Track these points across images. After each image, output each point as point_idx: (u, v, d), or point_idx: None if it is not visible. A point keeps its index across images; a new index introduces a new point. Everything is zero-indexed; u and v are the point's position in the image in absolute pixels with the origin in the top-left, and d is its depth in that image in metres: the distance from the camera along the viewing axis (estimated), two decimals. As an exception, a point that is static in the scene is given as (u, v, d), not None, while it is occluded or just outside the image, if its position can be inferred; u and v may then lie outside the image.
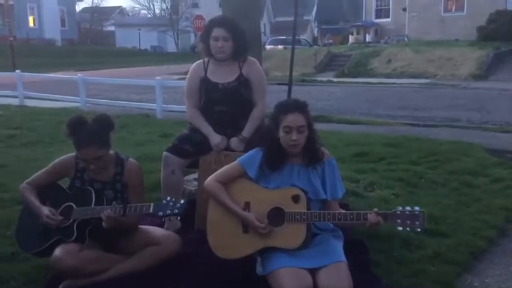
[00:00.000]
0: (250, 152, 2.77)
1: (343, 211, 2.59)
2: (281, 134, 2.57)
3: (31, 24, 39.03)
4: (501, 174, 5.06)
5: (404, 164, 5.51)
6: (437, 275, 2.96)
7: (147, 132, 8.04)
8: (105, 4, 56.06)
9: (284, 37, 32.23)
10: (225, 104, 3.43)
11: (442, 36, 25.88)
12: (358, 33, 32.63)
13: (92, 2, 52.98)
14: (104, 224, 2.62)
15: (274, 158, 2.63)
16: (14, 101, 12.38)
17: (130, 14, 59.32)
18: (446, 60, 20.54)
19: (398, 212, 2.40)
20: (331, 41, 30.96)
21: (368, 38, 31.63)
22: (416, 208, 2.41)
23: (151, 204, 2.65)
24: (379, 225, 2.43)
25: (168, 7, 47.40)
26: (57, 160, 2.91)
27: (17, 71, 13.52)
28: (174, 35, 44.54)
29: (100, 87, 14.95)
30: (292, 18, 5.12)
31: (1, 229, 3.62)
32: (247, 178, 2.68)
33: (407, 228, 2.39)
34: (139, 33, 44.44)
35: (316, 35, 45.79)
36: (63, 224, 2.71)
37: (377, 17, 31.95)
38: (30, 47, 33.10)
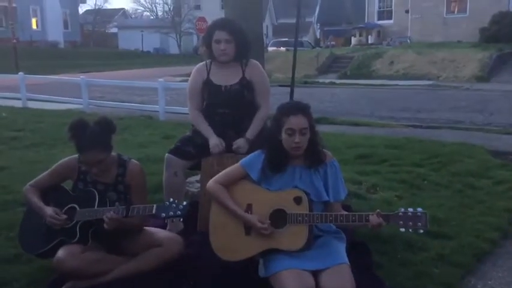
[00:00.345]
0: (252, 154, 2.77)
1: (345, 212, 2.59)
2: (283, 136, 2.56)
3: (34, 26, 39.16)
4: (504, 176, 5.04)
5: (407, 165, 5.50)
6: (441, 277, 2.95)
7: (150, 134, 8.04)
8: (108, 6, 56.39)
9: (286, 39, 32.27)
10: (227, 107, 3.43)
11: (445, 37, 25.84)
12: (360, 35, 32.58)
13: (95, 4, 53.31)
14: (105, 225, 2.63)
15: (277, 160, 2.63)
16: (17, 103, 12.40)
17: (133, 16, 59.47)
18: (449, 62, 20.51)
19: (400, 214, 2.40)
20: (333, 42, 30.93)
21: (370, 39, 31.57)
22: (419, 209, 2.40)
23: (154, 205, 2.65)
24: (381, 227, 2.42)
25: (171, 9, 47.56)
26: (59, 162, 2.91)
27: (20, 73, 13.55)
28: (176, 37, 44.61)
29: (103, 89, 14.98)
30: (294, 20, 5.12)
31: (4, 231, 3.63)
32: (250, 180, 2.68)
33: (410, 230, 2.38)
34: (142, 35, 44.57)
35: (318, 36, 45.80)
36: (66, 225, 2.72)
37: (379, 18, 31.91)
38: (33, 49, 33.24)
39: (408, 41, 27.83)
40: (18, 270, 3.01)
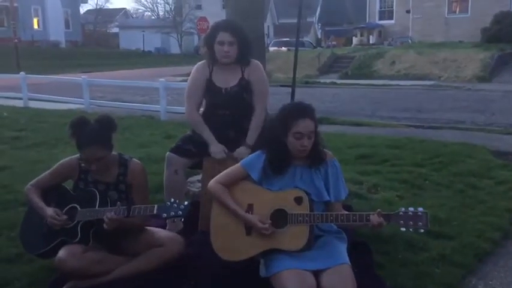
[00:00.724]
0: (253, 155, 2.77)
1: (346, 212, 2.59)
2: (290, 139, 2.55)
3: (35, 26, 39.20)
4: (505, 177, 5.04)
5: (408, 165, 5.49)
6: (442, 277, 2.95)
7: (151, 133, 8.05)
8: (109, 6, 56.44)
9: (287, 39, 32.26)
10: (228, 109, 3.43)
11: (446, 38, 25.81)
12: (361, 35, 32.57)
13: (96, 4, 53.30)
14: (105, 225, 2.63)
15: (280, 162, 2.62)
16: (19, 103, 12.42)
17: (134, 16, 59.50)
18: (451, 62, 20.48)
19: (401, 213, 2.40)
20: (334, 42, 30.92)
21: (372, 39, 31.55)
22: (420, 209, 2.40)
23: (156, 205, 2.65)
24: (382, 227, 2.42)
25: (172, 9, 47.54)
26: (60, 162, 2.92)
27: (21, 72, 13.56)
28: (177, 37, 44.63)
29: (104, 89, 15.00)
30: (295, 20, 5.12)
31: (5, 230, 3.64)
32: (250, 180, 2.68)
33: (411, 229, 2.38)
34: (143, 35, 44.58)
35: (319, 36, 45.77)
36: (67, 225, 2.72)
37: (381, 18, 31.89)
38: (35, 48, 33.28)
39: (409, 41, 27.81)
40: (20, 270, 3.02)
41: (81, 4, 47.87)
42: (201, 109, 3.60)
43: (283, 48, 30.67)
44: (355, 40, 32.58)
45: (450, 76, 19.61)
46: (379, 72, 21.40)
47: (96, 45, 45.63)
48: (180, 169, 3.44)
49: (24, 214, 3.00)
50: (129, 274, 2.77)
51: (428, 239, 3.40)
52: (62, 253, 2.64)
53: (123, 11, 57.84)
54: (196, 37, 41.77)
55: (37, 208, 2.82)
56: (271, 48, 31.32)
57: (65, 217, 2.73)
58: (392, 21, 30.96)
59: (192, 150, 3.46)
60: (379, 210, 2.45)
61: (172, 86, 11.41)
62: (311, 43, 36.68)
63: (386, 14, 31.57)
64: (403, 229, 2.38)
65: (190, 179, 4.24)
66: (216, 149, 3.36)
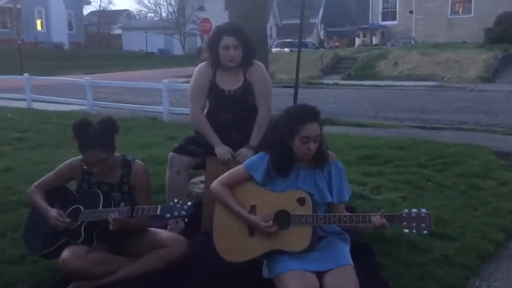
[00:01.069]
0: (256, 156, 2.77)
1: (349, 213, 2.58)
2: (297, 142, 2.54)
3: (39, 27, 39.31)
4: (509, 177, 5.02)
5: (411, 166, 5.49)
6: (445, 278, 2.94)
7: (154, 135, 8.06)
8: (112, 7, 56.47)
9: (290, 40, 32.26)
10: (231, 111, 3.43)
11: (449, 38, 25.77)
12: (364, 36, 32.51)
13: (99, 6, 53.39)
14: (110, 226, 2.63)
15: (284, 164, 2.62)
16: (22, 104, 12.46)
17: (137, 17, 59.56)
18: (454, 63, 20.43)
19: (404, 214, 2.39)
20: (337, 43, 30.89)
21: (374, 40, 31.51)
22: (423, 210, 2.39)
23: (159, 206, 2.65)
24: (385, 228, 2.41)
25: (175, 10, 47.59)
26: (64, 163, 2.93)
27: (24, 74, 13.61)
28: (180, 38, 44.69)
29: (107, 90, 15.03)
30: (298, 21, 5.12)
31: (9, 231, 3.65)
32: (253, 181, 2.68)
33: (414, 231, 2.37)
34: (146, 36, 44.63)
35: (322, 37, 45.79)
36: (70, 226, 2.73)
37: (384, 19, 31.85)
38: (38, 50, 33.39)
39: (412, 41, 27.76)
40: (24, 270, 3.03)
41: (84, 6, 47.97)
42: (205, 110, 3.60)
43: (286, 49, 30.68)
44: (357, 41, 32.52)
45: (453, 77, 19.56)
46: (382, 73, 21.37)
47: (99, 46, 45.73)
48: (182, 170, 3.45)
49: (28, 215, 3.01)
50: (133, 275, 2.77)
51: (431, 240, 3.40)
52: (65, 254, 2.65)
53: (126, 13, 57.91)
54: (199, 38, 41.81)
55: (40, 209, 2.83)
56: (274, 49, 31.32)
57: (68, 219, 2.73)
58: (395, 22, 30.93)
59: (195, 151, 3.46)
60: (382, 210, 2.45)
61: (175, 87, 11.43)
62: (314, 44, 36.67)
63: (389, 14, 31.53)
64: (406, 230, 2.38)
65: (193, 180, 4.25)
66: (222, 150, 3.36)
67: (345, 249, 2.56)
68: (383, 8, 31.86)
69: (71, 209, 2.80)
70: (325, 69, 23.09)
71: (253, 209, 2.61)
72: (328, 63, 23.58)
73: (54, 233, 2.77)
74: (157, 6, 51.68)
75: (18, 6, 30.22)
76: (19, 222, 3.50)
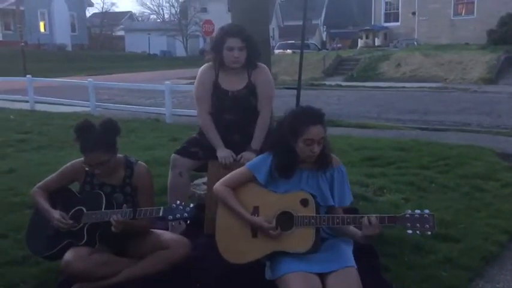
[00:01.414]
0: (259, 157, 2.77)
1: (352, 215, 2.57)
2: (300, 145, 2.54)
3: (42, 29, 39.40)
4: (512, 179, 5.01)
5: (414, 168, 5.47)
6: (449, 280, 2.93)
7: (157, 136, 8.06)
8: (115, 9, 56.64)
9: (293, 41, 32.27)
10: (234, 113, 3.43)
11: (452, 40, 25.72)
12: (367, 37, 32.45)
13: (102, 7, 53.51)
14: (112, 228, 2.63)
15: (287, 166, 2.62)
16: (25, 106, 12.50)
17: (139, 19, 59.68)
18: (456, 64, 20.41)
19: (407, 215, 2.38)
20: (339, 45, 30.85)
21: (377, 41, 31.46)
22: (426, 211, 2.39)
23: (161, 208, 2.65)
24: (378, 229, 2.39)
25: (177, 12, 47.68)
26: (67, 165, 2.93)
27: (27, 75, 13.66)
28: (183, 40, 44.75)
29: (110, 92, 15.06)
30: (300, 23, 5.11)
31: (12, 233, 3.65)
32: (256, 182, 2.67)
33: (417, 232, 2.36)
34: (148, 38, 44.71)
35: (324, 39, 45.75)
36: (73, 227, 2.73)
37: (386, 21, 31.80)
38: (41, 52, 33.45)
39: (415, 43, 27.72)
40: (26, 272, 3.03)
41: (87, 7, 48.09)
42: None
43: (288, 51, 30.68)
44: (360, 42, 32.47)
45: (456, 78, 19.54)
46: (384, 74, 21.36)
47: (102, 48, 45.81)
48: (184, 171, 3.45)
49: (31, 216, 3.02)
50: (135, 276, 2.77)
51: (434, 241, 3.39)
52: (68, 255, 2.65)
53: (128, 14, 58.04)
54: (201, 40, 41.85)
55: (43, 211, 2.83)
56: (277, 51, 31.34)
57: (70, 221, 2.74)
58: (398, 23, 30.88)
59: (198, 153, 3.47)
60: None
61: (178, 89, 11.45)
62: (316, 45, 36.66)
63: (391, 16, 31.49)
64: (410, 231, 2.37)
65: (196, 181, 4.25)
66: (224, 153, 3.36)
67: (348, 250, 2.55)
68: (385, 10, 31.82)
69: (73, 210, 2.80)
70: (328, 70, 23.09)
71: (256, 210, 2.60)
72: (330, 64, 23.58)
73: (57, 234, 2.77)
74: (160, 8, 51.94)
75: (22, 8, 30.33)
76: (22, 223, 3.50)
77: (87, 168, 2.83)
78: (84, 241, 2.70)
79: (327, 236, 2.65)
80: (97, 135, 2.73)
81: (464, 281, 2.96)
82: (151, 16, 55.97)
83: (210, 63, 3.49)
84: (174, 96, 11.10)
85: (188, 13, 44.96)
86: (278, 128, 2.69)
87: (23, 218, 3.61)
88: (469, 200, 4.40)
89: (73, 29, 42.91)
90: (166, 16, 50.79)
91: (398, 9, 30.83)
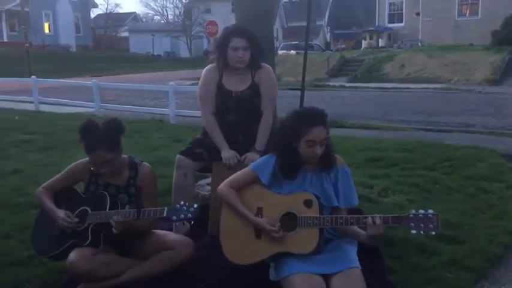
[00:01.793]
0: (263, 158, 2.77)
1: (356, 215, 2.57)
2: (302, 146, 2.53)
3: (46, 30, 39.56)
4: (517, 180, 4.99)
5: (418, 169, 5.46)
6: (453, 282, 2.92)
7: (161, 137, 8.07)
8: (119, 10, 56.77)
9: (297, 42, 32.25)
10: (237, 113, 3.43)
11: (456, 40, 25.68)
12: (371, 38, 32.46)
13: (106, 9, 53.68)
14: (113, 229, 2.64)
15: (291, 167, 2.62)
16: (30, 107, 12.55)
17: (144, 20, 59.82)
18: (461, 65, 20.37)
19: (411, 215, 2.38)
20: (343, 45, 30.86)
21: (381, 42, 31.45)
22: (430, 211, 2.38)
23: (165, 208, 2.66)
24: (381, 230, 2.38)
25: (181, 13, 47.76)
26: (72, 165, 2.94)
27: (32, 76, 13.72)
28: (187, 41, 44.81)
29: (114, 93, 15.09)
30: (304, 23, 5.12)
31: (17, 233, 3.67)
32: (260, 184, 2.67)
33: (421, 232, 2.36)
34: (152, 38, 44.82)
35: (328, 40, 45.75)
36: (78, 227, 2.74)
37: (390, 21, 31.80)
38: (46, 53, 33.54)
39: (419, 44, 27.69)
40: (31, 272, 3.04)
41: (92, 8, 48.26)
42: None
43: (292, 52, 30.69)
44: (364, 43, 32.49)
45: (460, 79, 19.50)
46: (388, 75, 21.34)
47: (106, 49, 45.92)
48: (189, 172, 3.45)
49: (36, 217, 3.03)
50: (139, 277, 2.77)
51: (439, 243, 3.38)
52: (72, 255, 2.65)
53: (132, 15, 58.16)
54: (205, 41, 41.93)
55: (48, 210, 2.84)
56: (280, 52, 31.34)
57: (76, 219, 2.74)
58: (402, 24, 30.88)
59: (203, 154, 3.47)
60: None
61: (182, 90, 11.47)
62: (320, 46, 36.65)
63: (395, 17, 31.49)
64: (414, 231, 2.36)
65: (200, 182, 4.25)
66: (228, 154, 3.36)
67: (352, 251, 2.55)
68: (389, 10, 31.82)
69: (78, 210, 2.81)
70: (332, 71, 23.09)
71: (259, 212, 2.60)
72: (334, 65, 23.58)
73: (61, 234, 2.77)
74: (164, 9, 51.94)
75: (26, 9, 30.39)
76: (27, 223, 3.51)
77: (92, 168, 2.83)
78: (88, 241, 2.71)
79: (331, 236, 2.64)
80: (101, 134, 2.73)
81: (469, 282, 2.95)
82: (155, 17, 56.09)
83: (214, 64, 3.50)
84: (178, 97, 11.11)
85: (192, 14, 45.02)
86: (281, 129, 2.70)
87: (28, 219, 3.62)
88: (473, 201, 4.39)
89: (77, 30, 43.07)
90: (170, 17, 50.89)
91: (402, 10, 30.83)
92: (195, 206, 2.65)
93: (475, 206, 4.23)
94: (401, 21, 31.06)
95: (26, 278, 2.97)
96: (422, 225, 2.35)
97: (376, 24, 32.59)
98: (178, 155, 3.48)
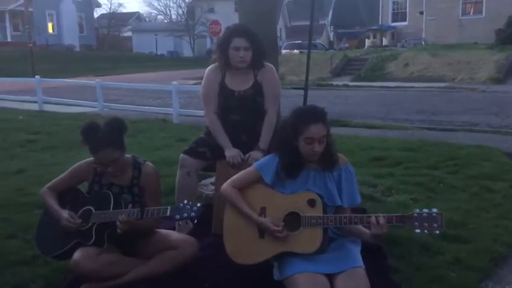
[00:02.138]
0: (266, 158, 2.77)
1: (359, 214, 2.57)
2: (302, 143, 2.54)
3: (50, 30, 39.67)
4: (521, 179, 4.97)
5: (422, 168, 5.45)
6: (458, 281, 2.92)
7: (164, 136, 8.08)
8: (122, 10, 56.85)
9: (300, 41, 32.23)
10: (240, 113, 3.43)
11: (460, 39, 25.59)
12: (374, 37, 32.36)
13: (110, 8, 53.74)
14: (118, 229, 2.64)
15: (292, 166, 2.62)
16: (34, 106, 12.58)
17: (147, 19, 59.90)
18: (465, 64, 20.29)
19: (415, 214, 2.37)
20: (347, 44, 30.79)
21: (385, 41, 31.36)
22: (434, 210, 2.38)
23: (169, 207, 2.66)
24: (384, 229, 2.38)
25: (184, 12, 47.79)
26: (76, 165, 2.95)
27: (36, 76, 13.75)
28: (190, 40, 44.84)
29: (118, 92, 15.11)
30: (307, 23, 5.10)
31: (21, 233, 3.68)
32: (263, 183, 2.67)
33: (426, 231, 2.35)
34: (156, 38, 44.88)
35: (332, 39, 45.66)
36: (82, 227, 2.75)
37: (394, 20, 31.69)
38: (49, 53, 33.64)
39: (423, 42, 27.60)
40: (35, 272, 3.05)
41: (95, 8, 48.36)
42: None
43: (296, 51, 30.66)
44: (367, 42, 32.39)
45: (464, 78, 19.42)
46: (392, 74, 21.28)
47: (110, 49, 46.01)
48: (192, 171, 3.45)
49: (40, 216, 3.03)
50: (143, 276, 2.78)
51: (443, 242, 3.37)
52: (77, 255, 2.66)
53: (136, 15, 58.27)
54: (208, 40, 41.92)
55: (52, 210, 2.84)
56: (284, 51, 31.32)
57: (79, 221, 2.75)
58: (406, 23, 30.77)
59: (206, 153, 3.47)
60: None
61: (185, 89, 11.48)
62: (323, 45, 36.60)
63: (399, 15, 31.38)
64: (418, 231, 2.36)
65: (204, 181, 4.25)
66: (231, 153, 3.36)
67: (356, 251, 2.55)
68: (393, 9, 31.71)
69: (82, 210, 2.82)
70: (335, 70, 23.05)
71: (263, 211, 2.60)
72: (337, 64, 23.53)
73: (65, 234, 2.78)
74: (167, 9, 52.10)
75: (30, 9, 30.50)
76: (31, 223, 3.53)
77: (98, 168, 2.84)
78: (92, 241, 2.71)
79: (335, 236, 2.64)
80: (104, 133, 2.74)
81: (473, 282, 2.94)
82: (159, 17, 56.23)
83: (216, 63, 3.50)
84: (181, 97, 11.12)
85: (195, 13, 45.04)
86: (282, 127, 2.70)
87: (32, 218, 3.63)
88: (478, 200, 4.37)
89: (81, 30, 43.17)
90: (173, 17, 50.98)
91: (406, 8, 30.72)
92: (198, 205, 2.65)
93: (479, 205, 4.22)
94: (405, 20, 30.95)
95: (31, 278, 2.98)
96: (426, 224, 2.34)
97: (380, 23, 32.49)
98: (181, 154, 3.49)
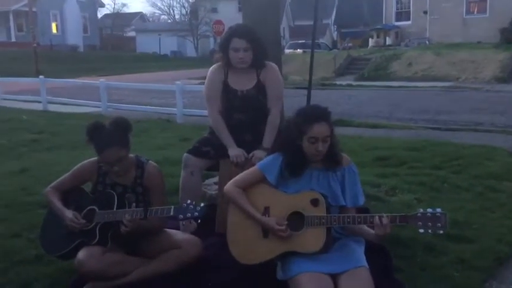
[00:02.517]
0: (270, 157, 2.77)
1: (363, 214, 2.56)
2: (305, 143, 2.54)
3: (54, 30, 39.75)
4: (526, 179, 4.95)
5: (426, 168, 5.43)
6: (462, 281, 2.91)
7: (168, 136, 8.09)
8: (126, 10, 56.96)
9: (303, 41, 32.19)
10: (243, 112, 3.43)
11: (464, 38, 25.48)
12: (378, 37, 32.27)
13: (113, 8, 53.87)
14: (122, 229, 2.64)
15: (296, 165, 2.61)
16: (38, 106, 12.62)
17: (150, 19, 59.95)
18: (469, 63, 20.21)
19: (419, 214, 2.37)
20: (350, 44, 30.72)
21: (388, 41, 31.27)
22: (438, 209, 2.37)
23: (172, 207, 2.66)
24: (387, 230, 2.37)
25: (188, 12, 47.82)
26: (79, 165, 2.95)
27: (40, 76, 13.80)
28: (193, 40, 44.88)
29: (121, 92, 15.13)
30: (311, 22, 5.10)
31: (25, 232, 3.69)
32: (267, 183, 2.67)
33: (429, 231, 2.34)
34: (159, 38, 44.90)
35: (335, 38, 45.61)
36: (86, 227, 2.75)
37: (397, 20, 31.59)
38: (53, 53, 33.70)
39: (427, 42, 27.52)
40: (39, 271, 3.06)
41: (99, 8, 48.41)
42: None
43: (299, 50, 30.63)
44: (371, 42, 32.30)
45: (469, 77, 19.35)
46: (395, 73, 21.21)
47: (113, 49, 46.07)
48: (196, 171, 3.46)
49: (44, 216, 3.04)
50: (147, 276, 2.78)
51: (447, 242, 3.36)
52: (81, 255, 2.67)
53: (139, 15, 58.34)
54: (212, 40, 41.95)
55: (56, 210, 2.85)
56: (287, 51, 31.29)
57: (83, 221, 2.76)
58: (409, 22, 30.67)
59: (210, 153, 3.48)
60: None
61: (189, 89, 11.48)
62: (327, 45, 36.57)
63: (403, 15, 31.27)
64: (422, 230, 2.35)
65: (207, 181, 4.25)
66: (235, 152, 3.36)
67: (360, 250, 2.54)
68: (397, 8, 31.61)
69: (86, 210, 2.82)
70: (339, 70, 23.00)
71: (266, 211, 2.60)
72: (341, 64, 23.49)
73: (69, 234, 2.79)
74: (171, 9, 52.04)
75: (34, 9, 30.55)
76: (35, 222, 3.54)
77: (104, 168, 2.85)
78: (96, 240, 2.72)
79: (339, 235, 2.64)
80: (110, 132, 2.75)
81: (477, 281, 2.93)
82: (162, 17, 56.22)
83: (220, 63, 3.50)
84: (185, 97, 11.12)
85: (199, 13, 45.06)
86: (286, 127, 2.70)
87: (36, 218, 3.64)
88: (482, 200, 4.36)
89: (85, 30, 43.24)
90: (176, 16, 50.95)
91: (409, 8, 30.61)
92: (202, 204, 2.65)
93: (483, 205, 4.20)
94: (408, 19, 30.85)
95: (35, 277, 2.98)
96: (430, 224, 2.34)
97: (383, 22, 32.38)
98: (185, 154, 3.49)
